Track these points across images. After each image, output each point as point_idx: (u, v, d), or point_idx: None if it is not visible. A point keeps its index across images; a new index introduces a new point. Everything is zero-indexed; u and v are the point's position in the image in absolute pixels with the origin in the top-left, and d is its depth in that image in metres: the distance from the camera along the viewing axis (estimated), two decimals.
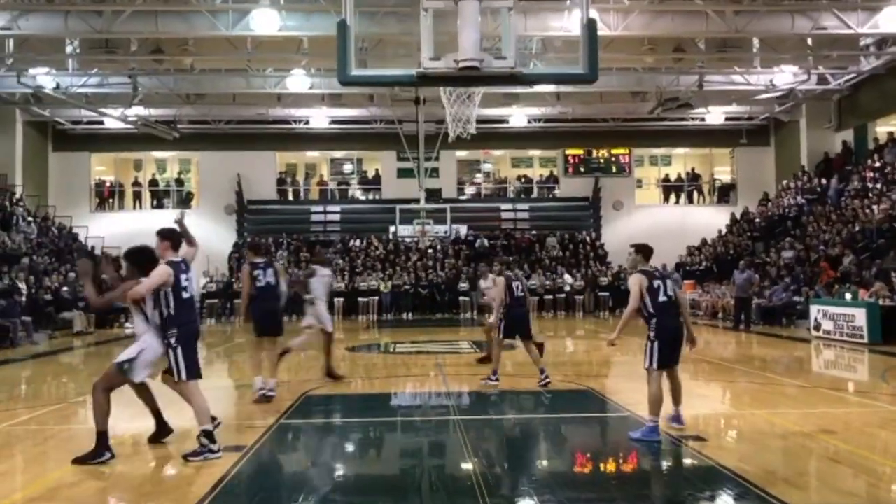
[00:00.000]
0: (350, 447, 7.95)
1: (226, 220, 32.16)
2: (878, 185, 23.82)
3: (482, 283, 14.25)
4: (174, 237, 7.17)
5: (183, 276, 6.94)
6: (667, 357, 7.53)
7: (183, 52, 22.62)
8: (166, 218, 33.55)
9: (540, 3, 17.94)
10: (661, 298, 7.56)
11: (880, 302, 16.39)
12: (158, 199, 33.17)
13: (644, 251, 7.91)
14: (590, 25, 5.81)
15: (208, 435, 6.88)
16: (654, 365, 7.48)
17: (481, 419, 9.21)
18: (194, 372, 7.04)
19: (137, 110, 27.69)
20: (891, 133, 26.33)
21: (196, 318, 7.25)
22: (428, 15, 5.57)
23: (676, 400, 7.82)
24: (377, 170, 33.85)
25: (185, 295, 6.95)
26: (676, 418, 7.81)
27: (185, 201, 33.07)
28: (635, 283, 7.61)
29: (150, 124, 28.44)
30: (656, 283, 7.62)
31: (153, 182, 33.49)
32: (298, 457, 7.65)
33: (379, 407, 9.93)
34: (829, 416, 8.59)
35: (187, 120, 30.38)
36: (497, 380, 10.87)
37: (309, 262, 17.96)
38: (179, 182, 33.76)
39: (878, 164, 24.89)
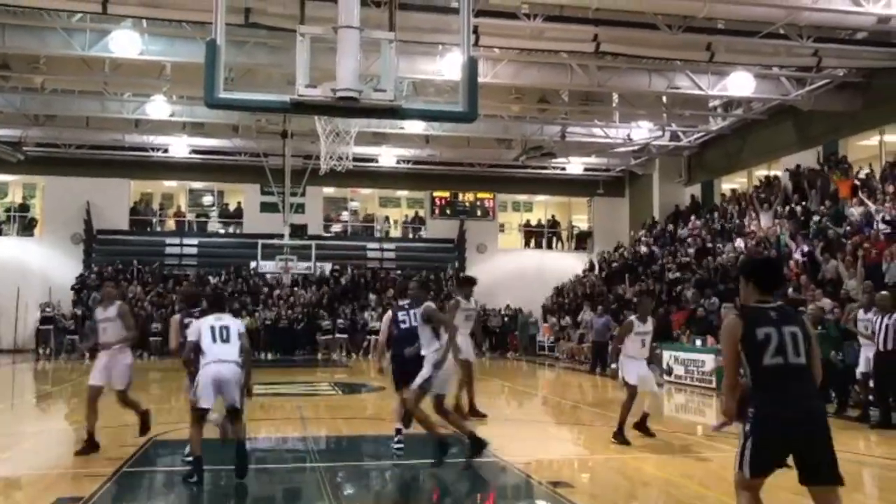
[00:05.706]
0: (200, 497, 7.37)
1: (72, 250, 30.13)
2: (723, 238, 25.23)
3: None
4: None
5: None
6: None
7: (33, 70, 21.27)
8: (3, 245, 30.78)
9: (411, 46, 18.00)
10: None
11: None
12: None
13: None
14: (471, 64, 5.73)
15: None
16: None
17: (343, 465, 8.83)
18: None
19: None
20: (734, 190, 28.24)
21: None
22: (305, 40, 5.33)
23: None
24: (239, 203, 32.86)
25: None
26: None
27: (27, 228, 30.88)
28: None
29: None
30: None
31: None
32: None
33: (233, 453, 9.32)
34: (687, 462, 8.77)
35: (34, 142, 28.33)
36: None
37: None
38: (23, 208, 31.50)
39: (722, 219, 26.44)
